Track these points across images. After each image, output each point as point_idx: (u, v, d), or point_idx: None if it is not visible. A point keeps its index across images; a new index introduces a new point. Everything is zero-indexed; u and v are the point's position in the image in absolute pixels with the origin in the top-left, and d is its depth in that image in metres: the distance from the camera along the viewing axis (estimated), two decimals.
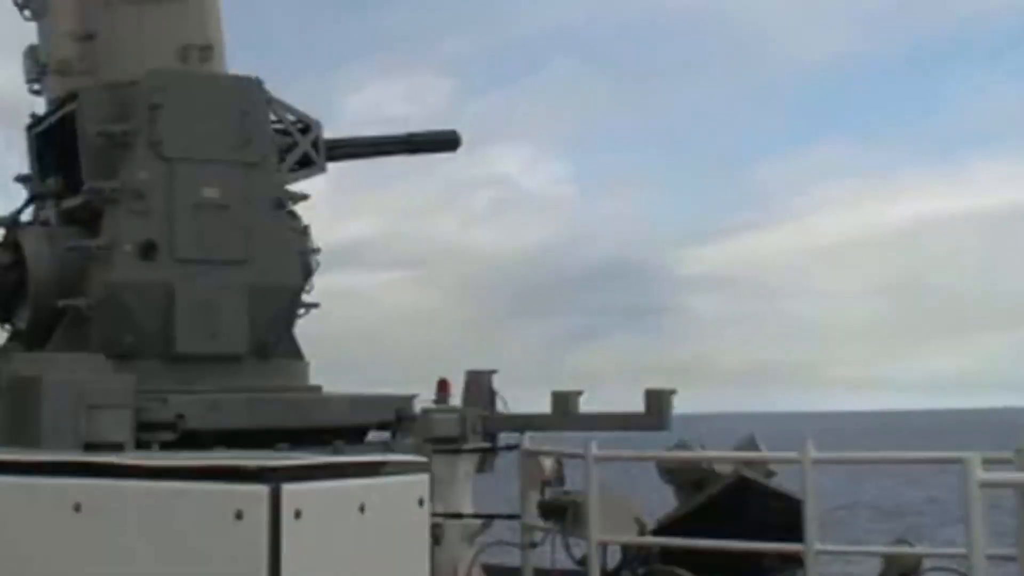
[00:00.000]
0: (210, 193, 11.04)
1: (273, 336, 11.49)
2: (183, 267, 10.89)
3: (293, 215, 11.85)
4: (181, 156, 10.99)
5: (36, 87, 12.05)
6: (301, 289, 11.73)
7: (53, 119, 11.66)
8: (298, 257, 11.67)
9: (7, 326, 11.35)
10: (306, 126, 12.27)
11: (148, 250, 10.76)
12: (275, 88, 11.89)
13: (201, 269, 10.95)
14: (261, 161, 11.40)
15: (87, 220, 11.11)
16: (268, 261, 11.30)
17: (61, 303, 10.86)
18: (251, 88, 11.55)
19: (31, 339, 10.92)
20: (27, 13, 11.94)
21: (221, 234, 11.06)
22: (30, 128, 12.03)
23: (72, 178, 11.36)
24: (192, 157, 11.04)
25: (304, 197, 11.91)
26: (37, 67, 11.93)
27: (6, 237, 11.27)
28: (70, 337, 10.84)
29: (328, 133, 12.60)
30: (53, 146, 11.68)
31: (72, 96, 11.31)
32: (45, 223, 11.44)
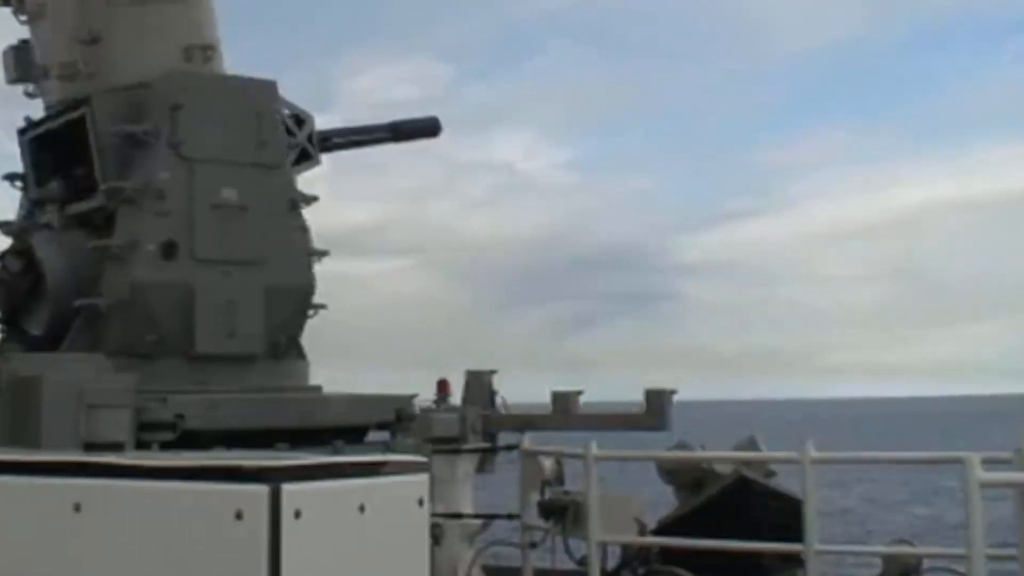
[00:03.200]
0: (228, 194, 11.11)
1: (286, 337, 11.60)
2: (202, 267, 10.93)
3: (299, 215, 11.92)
4: (201, 157, 11.03)
5: (29, 90, 11.99)
6: (313, 290, 11.82)
7: (56, 123, 11.62)
8: (310, 259, 11.77)
9: (2, 328, 11.30)
10: (300, 120, 12.35)
11: (169, 250, 10.79)
12: (274, 75, 11.94)
13: (220, 270, 11.00)
14: (276, 163, 11.51)
15: (99, 223, 11.11)
16: (283, 262, 11.40)
17: (78, 303, 10.86)
18: (266, 90, 11.63)
19: (47, 344, 10.88)
20: (21, 17, 11.85)
21: (239, 235, 11.12)
22: (23, 132, 11.97)
23: (75, 182, 11.35)
24: (211, 158, 11.08)
25: (315, 199, 11.97)
26: (33, 69, 11.87)
27: (16, 244, 11.21)
28: (85, 337, 10.82)
29: (321, 121, 12.79)
30: (53, 150, 11.64)
31: (82, 100, 11.24)
32: (47, 226, 11.41)
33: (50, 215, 11.40)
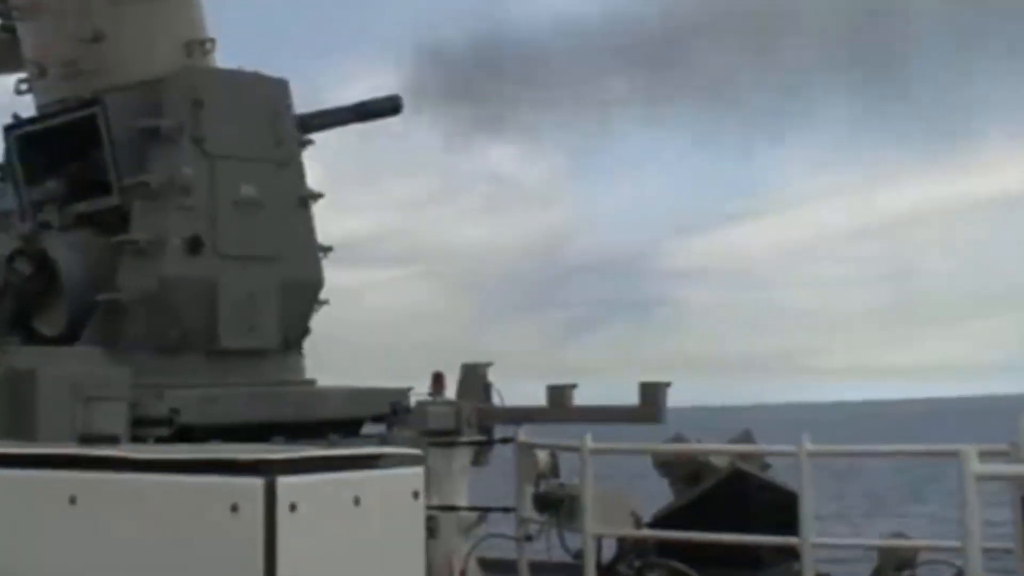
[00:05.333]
0: (248, 191, 11.29)
1: (297, 331, 11.79)
2: (225, 263, 11.08)
3: None
4: (222, 153, 11.16)
5: (22, 87, 11.92)
6: (322, 285, 12.02)
7: (55, 121, 11.51)
8: (319, 254, 11.96)
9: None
10: None
11: (195, 245, 10.88)
12: None
13: (240, 265, 11.16)
14: (290, 159, 11.70)
15: (110, 221, 11.12)
16: (296, 258, 11.60)
17: (101, 297, 10.85)
18: (281, 88, 11.80)
19: (64, 345, 10.86)
20: (15, 14, 11.73)
21: (257, 231, 11.28)
22: (10, 129, 11.88)
23: (74, 180, 11.31)
24: (232, 155, 11.24)
25: (320, 195, 12.08)
26: (27, 66, 11.78)
27: (26, 246, 11.14)
28: (104, 332, 10.84)
29: None
30: (45, 148, 11.56)
31: (94, 99, 11.16)
32: (46, 225, 11.32)
33: (49, 214, 11.34)
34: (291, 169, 11.73)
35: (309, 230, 11.87)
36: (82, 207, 11.27)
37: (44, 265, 10.92)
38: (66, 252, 10.98)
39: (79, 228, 11.21)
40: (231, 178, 11.15)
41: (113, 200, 11.08)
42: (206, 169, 11.04)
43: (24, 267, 10.92)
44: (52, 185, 11.38)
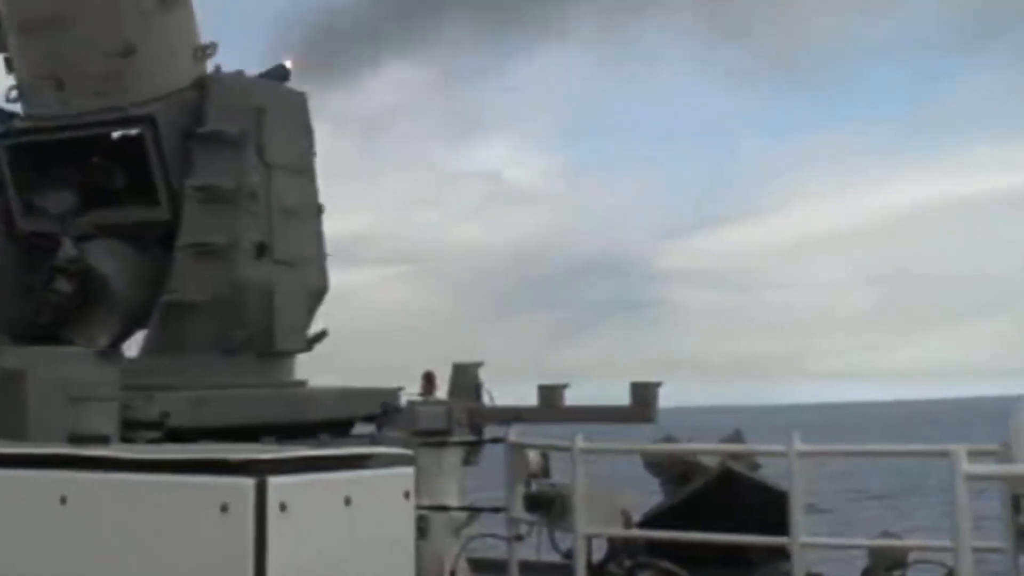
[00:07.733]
0: (288, 198, 11.65)
1: (316, 333, 12.14)
2: (277, 268, 11.42)
3: None
4: (275, 161, 11.49)
5: (12, 94, 11.80)
6: (328, 290, 12.32)
7: (79, 133, 11.37)
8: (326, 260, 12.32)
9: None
10: None
11: (261, 250, 11.23)
12: None
13: (284, 270, 11.49)
14: (309, 168, 12.04)
15: (151, 232, 11.31)
16: (314, 264, 12.01)
17: (163, 299, 10.99)
18: (304, 99, 12.14)
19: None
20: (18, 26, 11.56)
21: (294, 237, 11.65)
22: (3, 136, 11.77)
23: (87, 192, 11.31)
24: (279, 163, 11.55)
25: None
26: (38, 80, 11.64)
27: (67, 264, 11.01)
28: (168, 335, 11.07)
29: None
30: (46, 159, 11.47)
31: (145, 116, 11.17)
32: (80, 238, 11.25)
33: (66, 226, 11.26)
34: (311, 177, 12.08)
35: (321, 236, 12.22)
36: (114, 216, 11.33)
37: (87, 280, 10.95)
38: (111, 263, 11.11)
39: (103, 237, 11.24)
40: (279, 185, 11.51)
41: (163, 212, 11.15)
42: (266, 176, 11.40)
43: (64, 286, 10.92)
44: (67, 196, 11.34)
